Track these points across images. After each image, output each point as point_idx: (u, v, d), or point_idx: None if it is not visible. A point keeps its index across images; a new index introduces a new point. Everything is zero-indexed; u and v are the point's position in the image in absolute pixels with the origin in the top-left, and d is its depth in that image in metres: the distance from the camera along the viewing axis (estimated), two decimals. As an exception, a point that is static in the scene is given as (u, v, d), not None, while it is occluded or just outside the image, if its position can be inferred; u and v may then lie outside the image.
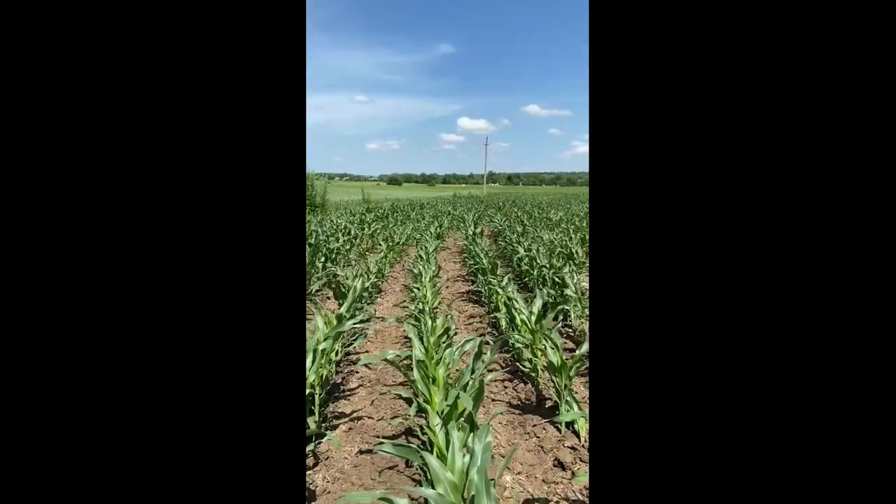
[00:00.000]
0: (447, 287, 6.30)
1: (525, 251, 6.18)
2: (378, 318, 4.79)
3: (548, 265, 5.15)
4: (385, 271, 6.73)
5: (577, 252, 6.98)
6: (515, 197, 33.64)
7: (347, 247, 8.25)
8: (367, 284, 4.25)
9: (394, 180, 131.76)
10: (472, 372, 2.11)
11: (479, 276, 5.28)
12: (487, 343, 3.75)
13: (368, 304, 5.30)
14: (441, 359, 2.46)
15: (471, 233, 8.08)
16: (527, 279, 5.95)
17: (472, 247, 6.51)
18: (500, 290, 3.98)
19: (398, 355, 3.06)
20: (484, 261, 5.29)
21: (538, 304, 3.30)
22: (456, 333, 3.59)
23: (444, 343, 2.82)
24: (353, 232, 8.80)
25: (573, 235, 9.08)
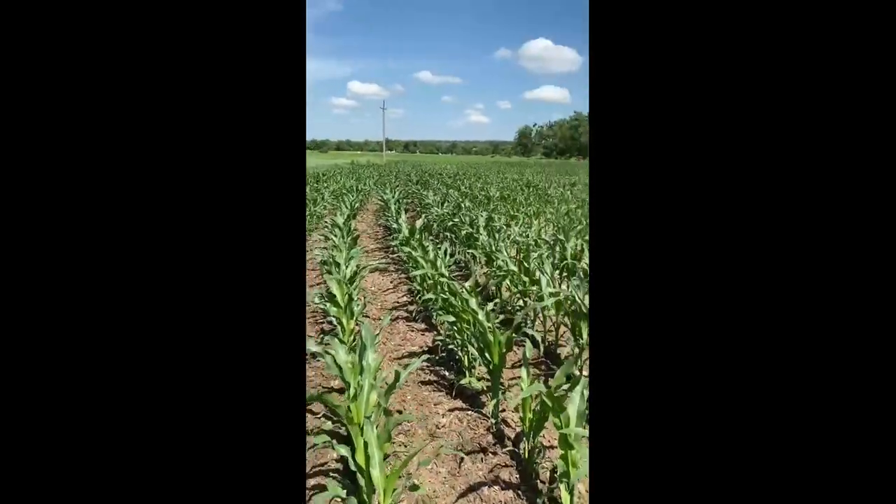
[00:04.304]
0: (384, 341, 3.41)
1: (531, 295, 3.41)
2: None
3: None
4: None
5: (577, 258, 4.46)
6: (419, 165, 30.52)
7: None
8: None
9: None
10: None
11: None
12: None
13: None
14: None
15: (404, 234, 4.87)
16: (546, 342, 3.29)
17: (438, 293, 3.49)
18: None
19: None
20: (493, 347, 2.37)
21: None
22: None
23: None
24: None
25: (541, 224, 6.59)
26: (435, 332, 3.58)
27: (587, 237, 5.27)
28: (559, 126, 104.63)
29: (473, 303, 2.48)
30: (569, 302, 2.81)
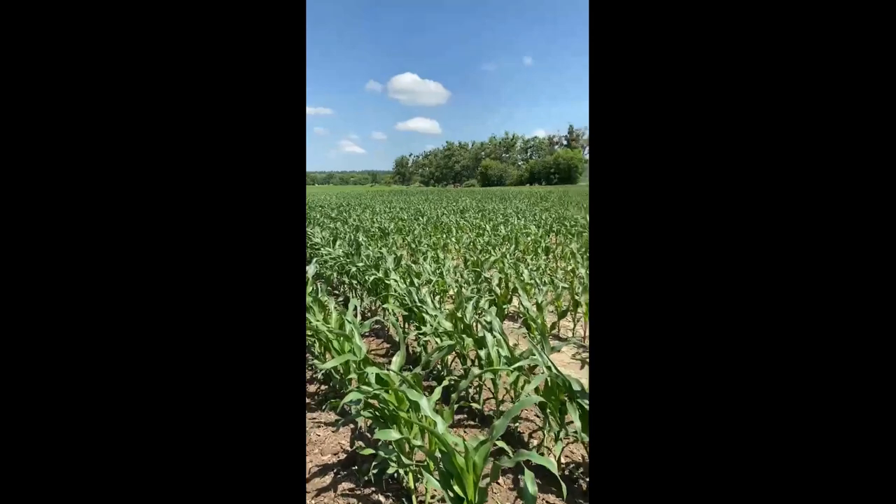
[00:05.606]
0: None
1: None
2: None
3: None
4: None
5: (507, 299, 3.82)
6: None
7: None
8: None
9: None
10: None
11: None
12: None
13: None
14: None
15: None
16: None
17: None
18: None
19: None
20: None
21: None
22: None
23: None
24: None
25: (451, 258, 5.92)
26: (352, 427, 2.61)
27: (507, 268, 4.72)
28: (433, 155, 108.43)
29: (426, 405, 1.62)
30: (549, 375, 2.08)
